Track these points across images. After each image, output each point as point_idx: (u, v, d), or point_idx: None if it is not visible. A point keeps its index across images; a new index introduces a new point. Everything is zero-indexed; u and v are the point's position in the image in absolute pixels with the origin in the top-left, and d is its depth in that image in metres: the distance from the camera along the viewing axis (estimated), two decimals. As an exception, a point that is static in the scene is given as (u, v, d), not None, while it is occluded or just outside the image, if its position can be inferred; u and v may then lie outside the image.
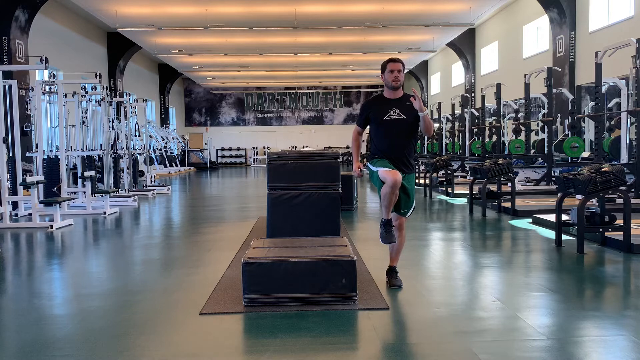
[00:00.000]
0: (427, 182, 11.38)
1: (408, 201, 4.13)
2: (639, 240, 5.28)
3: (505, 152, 13.45)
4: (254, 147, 33.60)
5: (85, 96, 11.97)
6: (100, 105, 12.24)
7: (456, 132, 16.41)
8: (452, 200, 10.43)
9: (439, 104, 18.61)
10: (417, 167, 14.38)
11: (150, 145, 20.88)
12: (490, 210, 8.46)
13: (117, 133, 12.93)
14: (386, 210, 3.98)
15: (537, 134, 14.37)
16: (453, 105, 16.57)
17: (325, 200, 5.70)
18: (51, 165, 9.78)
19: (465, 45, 23.23)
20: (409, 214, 4.15)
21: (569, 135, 12.66)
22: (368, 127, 4.24)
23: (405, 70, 29.83)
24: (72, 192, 10.16)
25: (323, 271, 3.70)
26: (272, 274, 3.69)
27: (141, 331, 3.35)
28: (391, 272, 4.23)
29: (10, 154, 8.91)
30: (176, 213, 10.07)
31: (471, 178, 9.37)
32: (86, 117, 12.75)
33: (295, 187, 5.73)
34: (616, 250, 5.35)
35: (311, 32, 18.82)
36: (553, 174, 10.72)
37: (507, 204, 8.18)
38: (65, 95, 11.53)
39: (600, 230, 5.54)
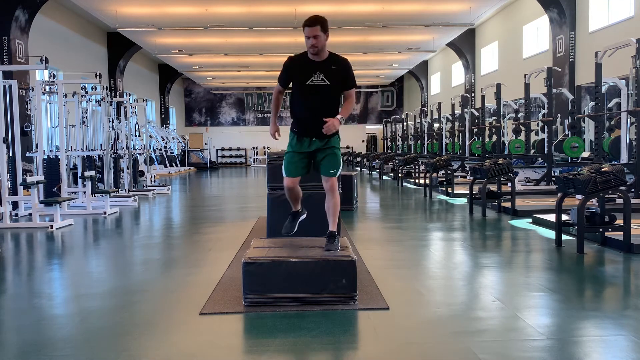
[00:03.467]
0: (427, 182, 11.37)
1: (335, 162, 4.05)
2: (639, 240, 5.27)
3: (505, 152, 13.45)
4: (254, 147, 33.62)
5: (85, 96, 11.96)
6: (100, 105, 12.24)
7: (456, 132, 16.41)
8: (452, 200, 10.43)
9: (439, 104, 18.61)
10: (416, 167, 14.37)
11: (150, 145, 20.89)
12: (490, 210, 8.46)
13: (117, 133, 12.93)
14: (292, 204, 4.25)
15: (537, 134, 14.37)
16: (453, 105, 16.57)
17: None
18: (51, 165, 9.78)
19: (465, 45, 23.23)
20: (338, 173, 4.06)
21: (569, 135, 12.66)
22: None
23: (405, 71, 29.98)
24: (72, 192, 10.16)
25: (323, 271, 3.69)
26: (272, 274, 3.69)
27: (141, 331, 3.34)
28: (328, 236, 3.97)
29: (11, 154, 8.90)
30: (176, 213, 10.07)
31: (471, 178, 9.36)
32: (86, 117, 12.75)
33: (295, 187, 5.72)
34: (616, 250, 5.35)
35: (311, 32, 18.79)
36: (553, 174, 10.71)
37: (507, 204, 8.18)
38: (66, 95, 11.53)
39: (600, 230, 5.54)
